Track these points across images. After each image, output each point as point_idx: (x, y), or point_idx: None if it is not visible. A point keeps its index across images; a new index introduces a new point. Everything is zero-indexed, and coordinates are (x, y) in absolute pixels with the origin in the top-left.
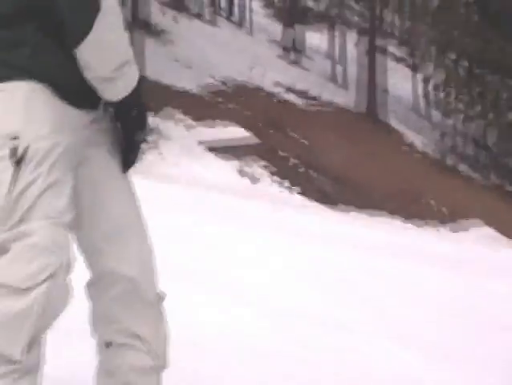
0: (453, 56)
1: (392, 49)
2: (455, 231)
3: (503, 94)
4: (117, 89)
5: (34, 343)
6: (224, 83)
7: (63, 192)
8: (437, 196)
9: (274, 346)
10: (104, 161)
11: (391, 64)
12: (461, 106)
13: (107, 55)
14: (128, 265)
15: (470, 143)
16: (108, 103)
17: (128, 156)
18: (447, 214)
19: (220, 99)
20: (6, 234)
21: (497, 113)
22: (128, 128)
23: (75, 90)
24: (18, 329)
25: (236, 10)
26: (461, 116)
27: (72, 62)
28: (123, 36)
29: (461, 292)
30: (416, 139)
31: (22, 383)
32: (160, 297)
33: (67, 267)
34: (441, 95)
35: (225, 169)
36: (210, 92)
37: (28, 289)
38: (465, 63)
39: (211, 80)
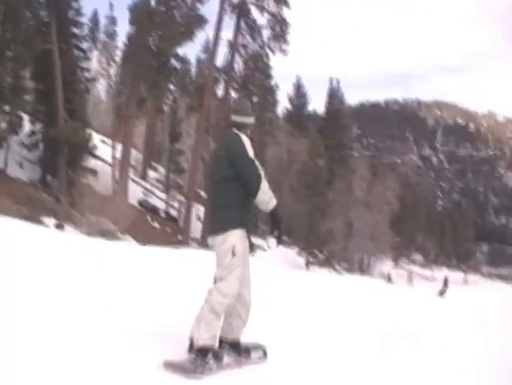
0: None
1: None
2: None
3: None
4: (270, 206)
5: None
6: None
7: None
8: None
9: None
10: (247, 249)
11: None
12: None
13: (266, 196)
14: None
15: None
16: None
17: (280, 236)
18: None
19: None
20: (223, 273)
21: None
22: (276, 222)
23: (250, 224)
24: None
25: None
26: None
27: (249, 204)
28: (267, 185)
29: None
30: None
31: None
32: (249, 305)
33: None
34: None
35: None
36: None
37: None
38: None
39: None
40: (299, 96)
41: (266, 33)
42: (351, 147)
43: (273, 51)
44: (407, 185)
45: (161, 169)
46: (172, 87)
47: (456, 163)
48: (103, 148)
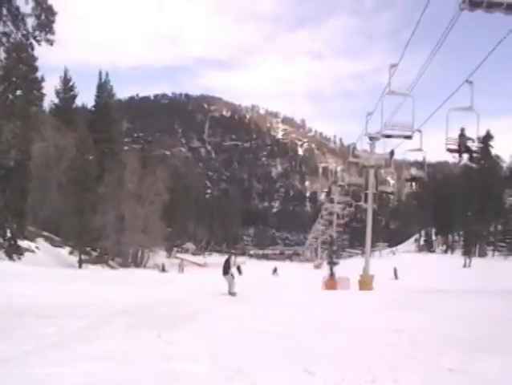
0: None
1: None
2: None
3: None
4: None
5: None
6: None
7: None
8: None
9: None
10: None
11: None
12: None
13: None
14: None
15: None
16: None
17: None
18: None
19: None
20: (230, 282)
21: None
22: (239, 271)
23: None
24: None
25: None
26: None
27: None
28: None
29: None
30: None
31: None
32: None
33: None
34: None
35: None
36: None
37: None
38: None
39: None
40: (67, 90)
41: (30, 21)
42: (121, 140)
43: (38, 42)
44: (176, 176)
45: None
46: None
47: (222, 153)
48: None
